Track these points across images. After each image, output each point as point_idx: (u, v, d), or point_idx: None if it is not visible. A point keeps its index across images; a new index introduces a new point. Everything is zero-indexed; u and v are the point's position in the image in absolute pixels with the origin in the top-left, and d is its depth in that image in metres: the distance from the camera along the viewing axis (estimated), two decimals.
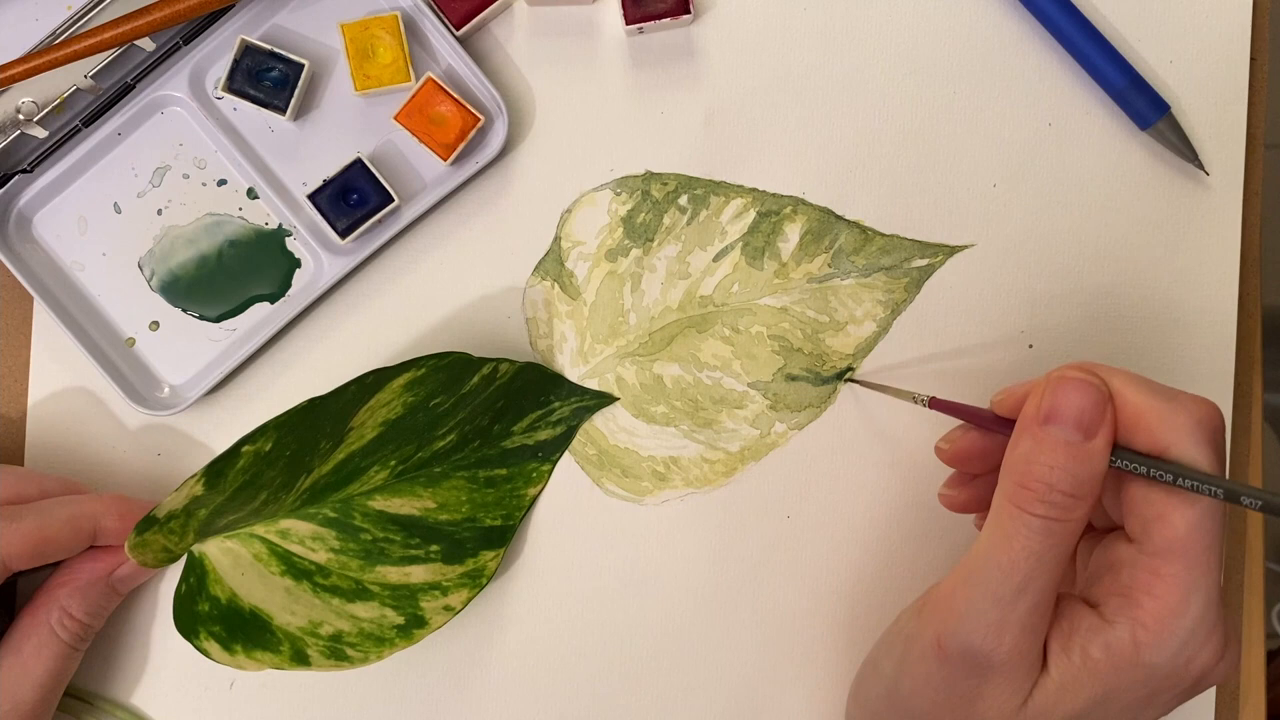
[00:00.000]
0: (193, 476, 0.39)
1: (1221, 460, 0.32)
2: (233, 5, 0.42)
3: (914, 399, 0.39)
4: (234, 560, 0.40)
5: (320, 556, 0.41)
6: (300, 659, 0.39)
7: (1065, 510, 0.32)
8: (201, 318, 0.44)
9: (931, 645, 0.33)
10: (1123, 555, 0.33)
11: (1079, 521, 0.32)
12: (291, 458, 0.40)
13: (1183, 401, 0.32)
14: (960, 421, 0.38)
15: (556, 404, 0.44)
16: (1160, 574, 0.32)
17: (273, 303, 0.44)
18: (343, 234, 0.42)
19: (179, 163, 0.44)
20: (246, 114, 0.43)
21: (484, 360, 0.42)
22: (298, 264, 0.44)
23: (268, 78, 0.42)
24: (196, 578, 0.39)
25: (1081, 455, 0.32)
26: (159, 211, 0.44)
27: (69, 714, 0.43)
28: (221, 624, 0.39)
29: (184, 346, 0.44)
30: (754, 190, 0.44)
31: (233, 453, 0.39)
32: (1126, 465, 0.32)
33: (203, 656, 0.39)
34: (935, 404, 0.38)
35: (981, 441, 0.37)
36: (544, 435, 0.44)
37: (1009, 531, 0.32)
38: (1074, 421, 0.32)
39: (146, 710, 0.43)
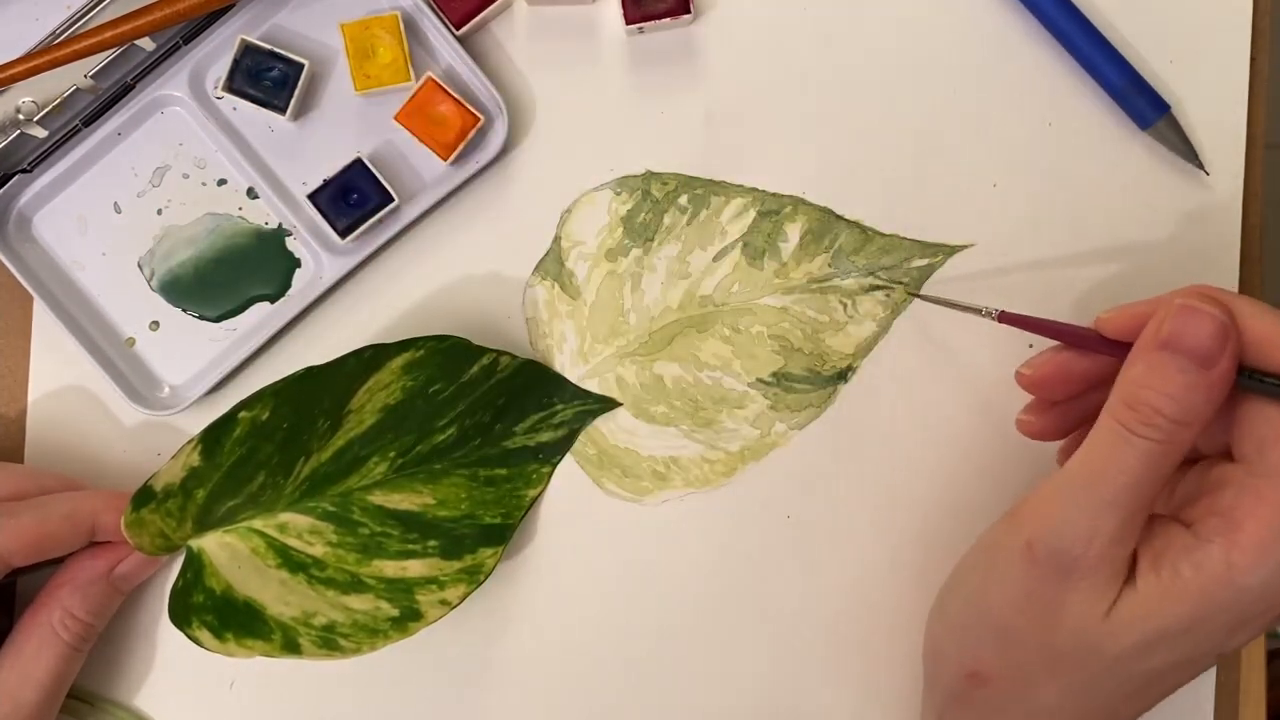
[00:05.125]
0: (189, 442, 0.39)
1: None
2: (233, 5, 0.42)
3: (982, 312, 0.39)
4: (231, 554, 0.40)
5: (318, 550, 0.41)
6: (291, 647, 0.40)
7: (1170, 435, 0.32)
8: (201, 318, 0.44)
9: (1021, 550, 0.34)
10: (1227, 476, 0.33)
11: (1183, 446, 0.32)
12: (289, 432, 0.40)
13: None
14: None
15: (559, 406, 0.44)
16: (1265, 497, 0.31)
17: (273, 303, 0.44)
18: (343, 234, 0.42)
19: (179, 162, 0.44)
20: (246, 114, 0.43)
21: (484, 349, 0.42)
22: (298, 264, 0.44)
23: (268, 77, 0.42)
24: (194, 572, 0.40)
25: (1196, 386, 0.32)
26: (159, 211, 0.44)
27: (71, 715, 0.43)
28: (214, 614, 0.39)
29: (184, 346, 0.44)
30: (754, 190, 0.44)
31: (229, 418, 0.40)
32: (1248, 384, 0.32)
33: (203, 657, 0.39)
34: (1005, 318, 0.38)
35: (1069, 366, 0.37)
36: (545, 437, 0.44)
37: (1109, 448, 0.32)
38: (1192, 351, 0.32)
39: (148, 711, 0.43)
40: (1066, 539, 0.33)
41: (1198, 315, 0.32)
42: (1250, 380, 0.32)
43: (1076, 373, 0.37)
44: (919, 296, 0.43)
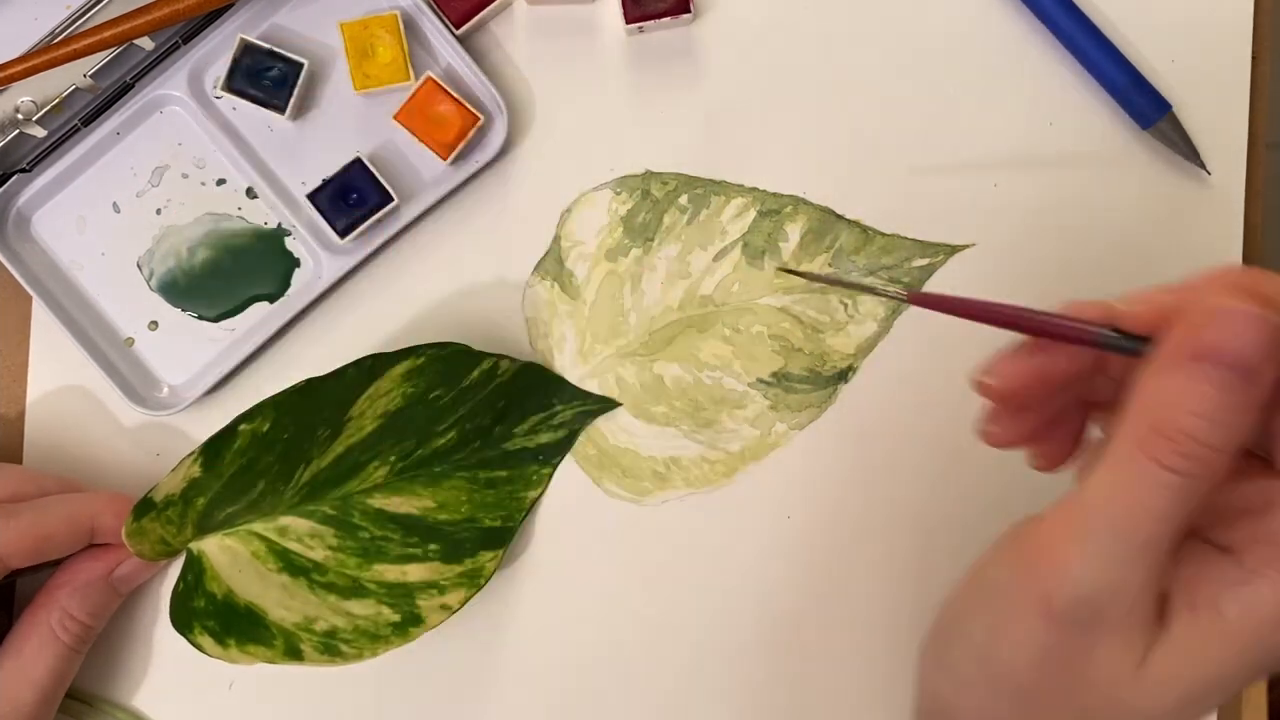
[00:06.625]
0: (190, 455, 0.39)
1: None
2: (232, 4, 0.42)
3: (891, 295, 0.33)
4: (232, 558, 0.40)
5: (318, 554, 0.41)
6: (293, 654, 0.40)
7: (1206, 465, 0.26)
8: (201, 318, 0.44)
9: (1036, 604, 0.28)
10: (1274, 493, 0.28)
11: (1221, 474, 0.26)
12: (289, 443, 0.40)
13: None
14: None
15: (559, 407, 0.44)
16: None
17: (272, 302, 0.44)
18: (342, 234, 0.42)
19: (178, 162, 0.44)
20: (246, 113, 0.43)
21: (484, 355, 0.42)
22: (297, 264, 0.44)
23: (267, 77, 0.42)
24: (194, 575, 0.40)
25: (1239, 406, 0.26)
26: (158, 211, 0.44)
27: (69, 715, 0.43)
28: (216, 619, 0.39)
29: (183, 346, 0.44)
30: (754, 190, 0.44)
31: (230, 431, 0.40)
32: None
33: (202, 658, 0.39)
34: (917, 299, 0.32)
35: (1048, 369, 0.31)
36: (545, 439, 0.43)
37: (1137, 485, 0.27)
38: (1235, 363, 0.26)
39: (146, 712, 0.43)
40: (1090, 592, 0.27)
41: (1241, 319, 0.26)
42: None
43: (1057, 375, 0.31)
44: (801, 275, 0.41)
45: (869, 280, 0.41)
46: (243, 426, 0.40)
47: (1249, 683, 0.28)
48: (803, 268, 0.44)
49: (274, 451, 0.40)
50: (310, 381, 0.40)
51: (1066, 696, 0.29)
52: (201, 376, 0.43)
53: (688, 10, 0.43)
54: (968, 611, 0.31)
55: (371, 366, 0.40)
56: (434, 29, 0.43)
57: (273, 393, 0.40)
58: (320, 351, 0.44)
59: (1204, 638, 0.27)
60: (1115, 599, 0.27)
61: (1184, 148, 0.44)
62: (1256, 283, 0.27)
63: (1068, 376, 0.31)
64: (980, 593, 0.31)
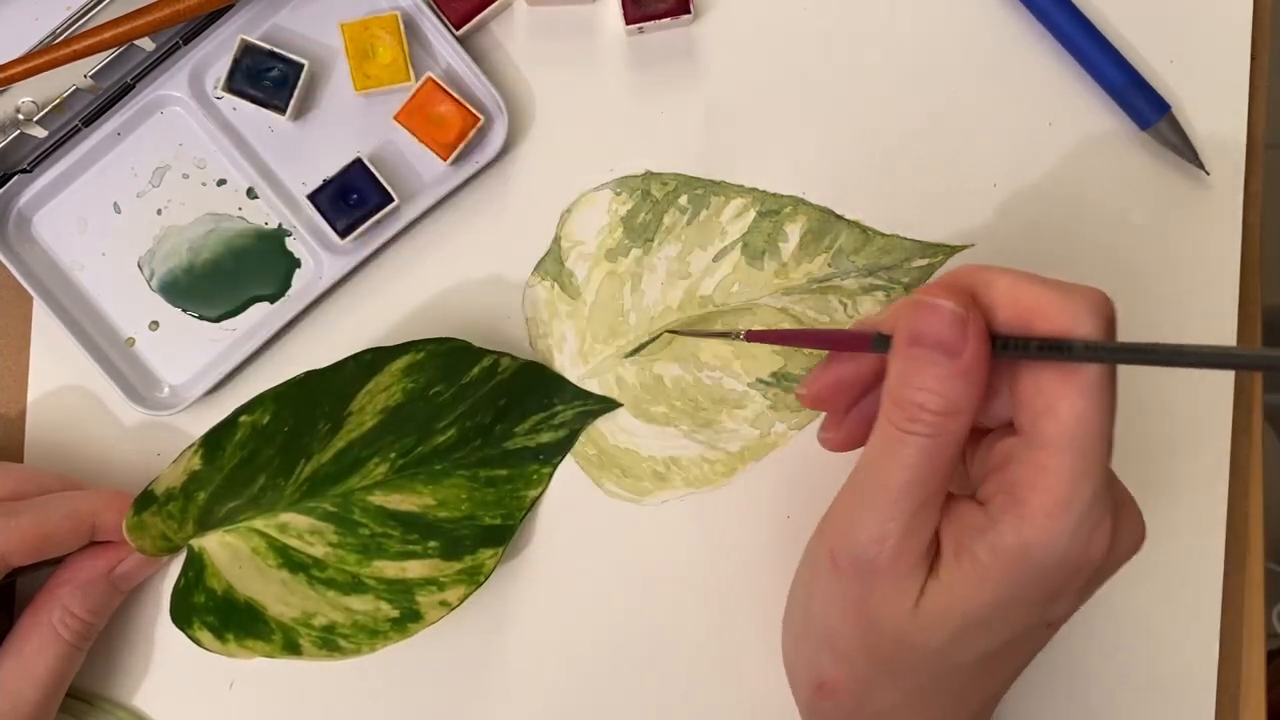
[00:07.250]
0: (190, 447, 0.39)
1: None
2: (233, 5, 0.42)
3: (732, 336, 0.38)
4: (233, 554, 0.40)
5: (318, 550, 0.41)
6: (292, 648, 0.40)
7: (938, 427, 0.32)
8: (201, 318, 0.44)
9: (826, 559, 0.34)
10: (1010, 450, 0.33)
11: (956, 434, 0.32)
12: (289, 435, 0.40)
13: (1078, 289, 0.32)
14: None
15: (560, 407, 0.44)
16: (1046, 467, 0.31)
17: (273, 303, 0.44)
18: (342, 234, 0.42)
19: (179, 162, 0.44)
20: (246, 114, 0.43)
21: (485, 352, 0.42)
22: (297, 264, 0.44)
23: (267, 77, 0.42)
24: (195, 571, 0.40)
25: (950, 376, 0.31)
26: (159, 211, 0.44)
27: (69, 714, 0.43)
28: (215, 614, 0.39)
29: (184, 346, 0.44)
30: (754, 190, 0.44)
31: (230, 422, 0.40)
32: (1006, 354, 0.32)
33: (203, 656, 0.39)
34: (752, 336, 0.37)
35: (839, 375, 0.36)
36: (546, 438, 0.44)
37: (887, 447, 0.32)
38: (935, 344, 0.32)
39: (146, 710, 0.43)
40: (860, 543, 0.33)
41: (929, 310, 0.32)
42: (1007, 350, 0.32)
43: (849, 378, 0.36)
44: (675, 332, 0.43)
45: (741, 325, 0.44)
46: (243, 418, 0.40)
47: (1016, 612, 0.32)
48: (802, 268, 0.44)
49: (274, 445, 0.40)
50: (310, 374, 0.40)
51: (865, 640, 0.34)
52: (202, 376, 0.43)
53: (688, 10, 0.43)
54: (797, 578, 0.38)
55: (371, 361, 0.41)
56: (434, 29, 0.43)
57: None
58: (321, 351, 0.44)
59: (964, 579, 0.32)
60: (881, 548, 0.32)
61: (1183, 148, 0.44)
62: (963, 274, 0.33)
63: (858, 379, 0.36)
64: (803, 561, 0.37)
